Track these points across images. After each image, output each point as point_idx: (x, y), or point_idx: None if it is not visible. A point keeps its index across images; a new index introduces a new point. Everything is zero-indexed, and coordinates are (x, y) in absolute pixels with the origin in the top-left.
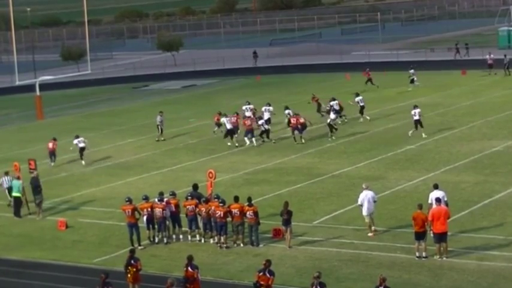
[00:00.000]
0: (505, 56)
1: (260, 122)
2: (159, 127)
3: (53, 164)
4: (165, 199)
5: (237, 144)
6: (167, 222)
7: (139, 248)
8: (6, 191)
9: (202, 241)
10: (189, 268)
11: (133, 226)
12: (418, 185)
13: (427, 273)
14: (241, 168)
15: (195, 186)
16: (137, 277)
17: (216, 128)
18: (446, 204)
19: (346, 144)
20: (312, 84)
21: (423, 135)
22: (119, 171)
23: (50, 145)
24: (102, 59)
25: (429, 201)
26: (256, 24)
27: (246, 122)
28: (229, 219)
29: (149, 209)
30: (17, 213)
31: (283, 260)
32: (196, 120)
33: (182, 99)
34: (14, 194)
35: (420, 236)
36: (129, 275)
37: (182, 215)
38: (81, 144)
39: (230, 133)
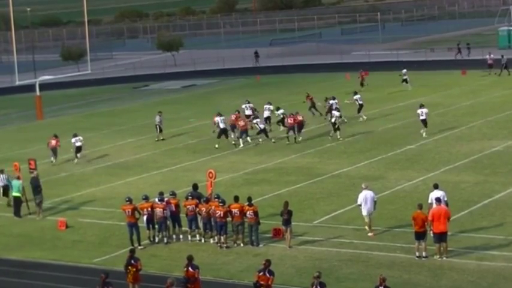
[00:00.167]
0: (502, 56)
1: (255, 121)
2: (158, 127)
3: (54, 161)
4: (165, 199)
5: (233, 142)
6: (168, 222)
7: (140, 248)
8: (1, 190)
9: (202, 241)
10: (190, 268)
11: (133, 226)
12: (418, 185)
13: (427, 273)
14: (241, 168)
15: (195, 186)
16: (137, 277)
17: (215, 128)
18: (446, 204)
19: (346, 144)
20: (312, 84)
21: (424, 134)
22: (119, 171)
23: (53, 142)
24: (102, 59)
25: (429, 201)
26: (256, 24)
27: (239, 123)
28: (229, 219)
29: (149, 209)
30: (17, 213)
31: (283, 259)
32: (196, 120)
33: (182, 99)
34: (14, 194)
35: (420, 236)
36: (129, 275)
37: (182, 215)
38: (78, 144)
39: (224, 132)
